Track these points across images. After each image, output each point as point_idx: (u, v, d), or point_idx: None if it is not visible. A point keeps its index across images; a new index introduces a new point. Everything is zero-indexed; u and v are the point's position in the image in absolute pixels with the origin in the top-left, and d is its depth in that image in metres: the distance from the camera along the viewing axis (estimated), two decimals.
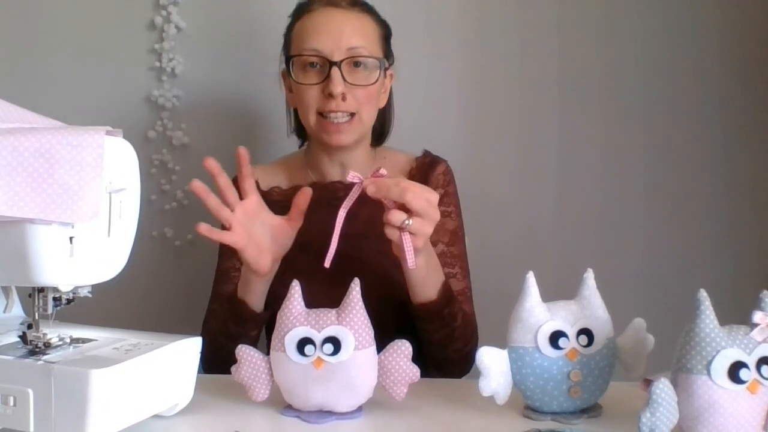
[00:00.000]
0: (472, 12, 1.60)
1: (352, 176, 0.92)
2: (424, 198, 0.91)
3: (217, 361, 0.98)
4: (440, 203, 1.18)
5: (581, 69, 1.60)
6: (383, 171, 0.92)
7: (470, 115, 1.61)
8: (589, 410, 0.86)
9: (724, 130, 1.62)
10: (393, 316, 1.05)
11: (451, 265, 1.18)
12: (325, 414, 0.86)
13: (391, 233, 0.92)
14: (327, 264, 0.93)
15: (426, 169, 1.24)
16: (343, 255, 0.98)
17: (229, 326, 1.06)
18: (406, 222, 0.90)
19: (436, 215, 0.93)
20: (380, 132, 1.27)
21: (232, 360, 0.89)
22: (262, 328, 1.09)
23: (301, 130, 1.28)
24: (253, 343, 0.92)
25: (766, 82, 1.60)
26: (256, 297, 1.04)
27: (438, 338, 1.07)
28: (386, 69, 1.19)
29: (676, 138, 1.61)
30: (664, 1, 1.60)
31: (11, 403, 0.74)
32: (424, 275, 1.02)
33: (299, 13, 1.18)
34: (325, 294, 0.89)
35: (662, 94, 1.61)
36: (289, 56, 1.17)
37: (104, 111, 1.56)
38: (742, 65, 1.60)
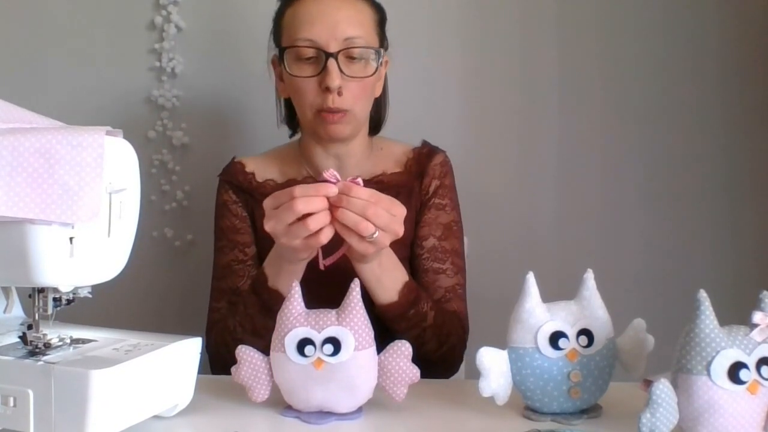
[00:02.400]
0: (472, 11, 1.60)
1: (329, 174, 0.91)
2: (387, 215, 0.90)
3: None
4: (435, 195, 1.19)
5: (581, 68, 1.60)
6: (359, 180, 0.92)
7: (470, 113, 1.61)
8: (589, 411, 0.86)
9: (724, 130, 1.62)
10: None
11: (441, 260, 1.16)
12: (325, 414, 0.86)
13: (352, 239, 0.91)
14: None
15: (423, 159, 1.21)
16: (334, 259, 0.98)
17: (256, 321, 1.03)
18: (374, 235, 0.90)
19: (399, 230, 0.93)
20: (376, 120, 1.25)
21: None
22: None
23: (291, 120, 1.25)
24: None
25: (766, 82, 1.60)
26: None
27: (408, 339, 1.01)
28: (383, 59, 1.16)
29: (676, 138, 1.61)
30: (664, 1, 1.60)
31: (11, 404, 0.74)
32: (377, 277, 1.01)
33: (289, 1, 1.14)
34: (319, 295, 0.89)
35: (662, 94, 1.61)
36: (282, 47, 1.13)
37: (104, 111, 1.57)
38: (742, 65, 1.60)
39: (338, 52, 1.08)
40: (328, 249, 0.96)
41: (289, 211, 0.89)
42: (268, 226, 0.92)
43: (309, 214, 0.89)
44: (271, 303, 1.01)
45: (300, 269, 1.00)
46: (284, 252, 0.97)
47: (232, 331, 1.07)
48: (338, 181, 0.91)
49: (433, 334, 1.07)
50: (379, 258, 1.00)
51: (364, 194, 0.90)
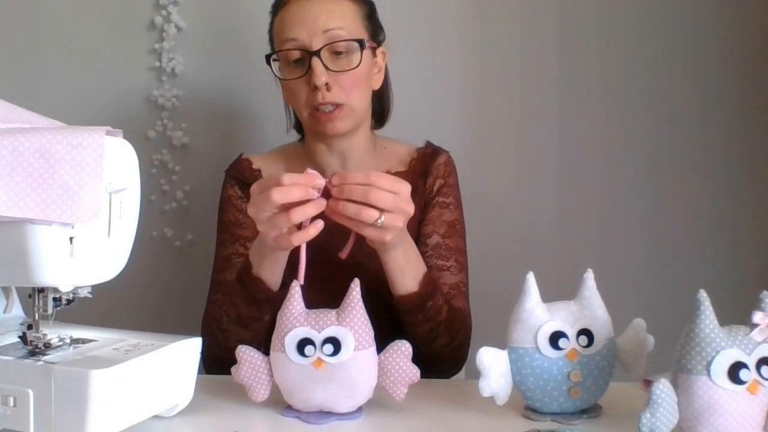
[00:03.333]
0: (472, 11, 1.60)
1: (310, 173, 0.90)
2: (390, 194, 0.89)
3: (225, 353, 0.92)
4: (439, 194, 1.19)
5: (581, 68, 1.60)
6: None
7: (470, 113, 1.61)
8: (589, 411, 0.86)
9: (724, 130, 1.62)
10: (388, 315, 1.05)
11: (445, 257, 1.16)
12: (325, 414, 0.86)
13: (362, 229, 0.90)
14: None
15: (427, 159, 1.22)
16: (336, 252, 0.98)
17: (241, 310, 1.03)
18: (379, 221, 0.89)
19: (408, 208, 0.92)
20: (380, 114, 1.26)
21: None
22: (276, 313, 0.94)
23: (300, 126, 1.26)
24: (267, 330, 0.87)
25: (766, 82, 1.60)
26: (276, 274, 1.00)
27: (422, 332, 1.04)
28: (373, 48, 1.16)
29: (676, 138, 1.61)
30: (664, 1, 1.60)
31: (11, 404, 0.74)
32: (401, 267, 1.01)
33: (276, 10, 1.16)
34: (320, 290, 0.89)
35: (662, 94, 1.61)
36: (268, 56, 1.15)
37: (104, 111, 1.57)
38: (741, 65, 1.60)
39: (320, 49, 1.09)
40: (331, 244, 0.95)
41: (266, 201, 0.88)
42: (250, 211, 0.91)
43: (297, 206, 0.88)
44: (254, 291, 1.01)
45: (283, 257, 0.99)
46: (265, 240, 0.96)
47: (219, 320, 1.07)
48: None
49: (446, 329, 1.07)
50: (405, 248, 1.00)
51: (361, 178, 0.89)
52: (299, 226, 0.90)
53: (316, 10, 1.10)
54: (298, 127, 1.28)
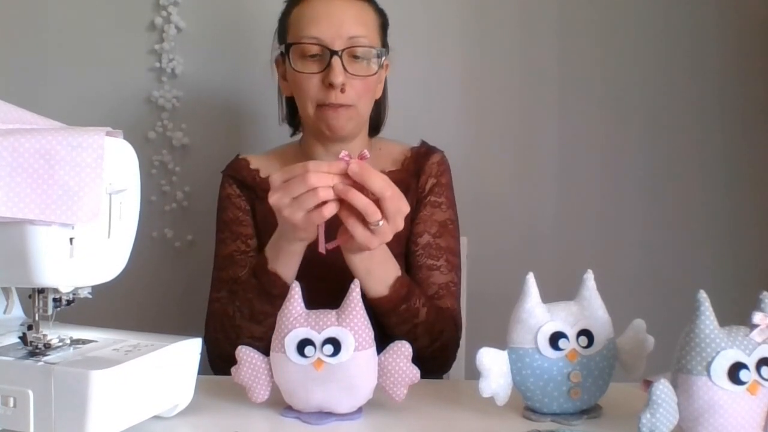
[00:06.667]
0: (472, 11, 1.60)
1: (344, 155, 0.90)
2: (397, 205, 0.90)
3: (235, 350, 0.90)
4: (431, 193, 1.20)
5: (581, 69, 1.61)
6: (366, 153, 0.90)
7: (470, 113, 1.61)
8: (589, 411, 0.86)
9: (724, 130, 1.62)
10: None
11: (435, 257, 1.16)
12: (325, 415, 0.86)
13: (355, 227, 0.90)
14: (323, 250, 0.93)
15: (420, 158, 1.22)
16: (334, 248, 0.98)
17: (255, 306, 1.03)
18: (379, 222, 0.89)
19: (401, 224, 0.93)
20: (376, 122, 1.27)
21: (256, 344, 0.88)
22: None
23: (292, 119, 1.27)
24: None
25: (766, 82, 1.60)
26: (291, 269, 1.00)
27: (399, 333, 1.03)
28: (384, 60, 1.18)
29: (675, 138, 1.62)
30: (664, 2, 1.60)
31: (11, 404, 0.74)
32: (366, 268, 0.99)
33: (296, 1, 1.16)
34: (320, 289, 0.89)
35: (662, 94, 1.61)
36: (287, 44, 1.15)
37: (104, 111, 1.57)
38: (742, 65, 1.60)
39: (343, 50, 1.10)
40: (327, 238, 0.95)
41: (301, 183, 0.88)
42: (273, 198, 0.91)
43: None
44: (269, 286, 1.01)
45: (299, 251, 0.99)
46: (284, 230, 0.96)
47: (231, 317, 1.07)
48: (351, 158, 0.89)
49: (425, 330, 1.07)
50: (371, 251, 0.98)
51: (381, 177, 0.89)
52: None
53: (342, 14, 1.12)
54: (290, 121, 1.28)
